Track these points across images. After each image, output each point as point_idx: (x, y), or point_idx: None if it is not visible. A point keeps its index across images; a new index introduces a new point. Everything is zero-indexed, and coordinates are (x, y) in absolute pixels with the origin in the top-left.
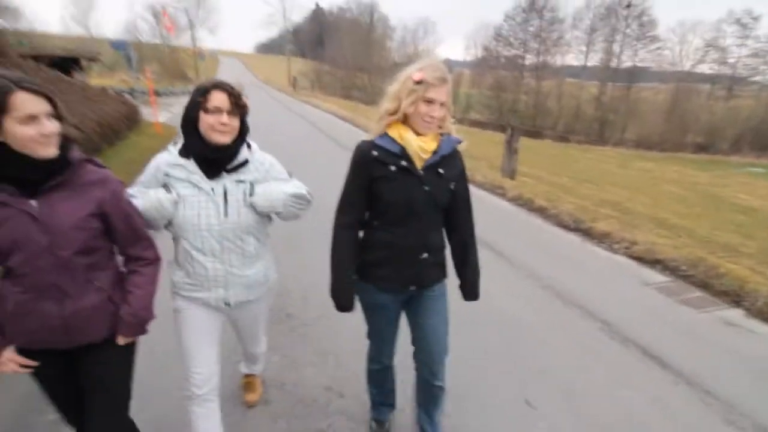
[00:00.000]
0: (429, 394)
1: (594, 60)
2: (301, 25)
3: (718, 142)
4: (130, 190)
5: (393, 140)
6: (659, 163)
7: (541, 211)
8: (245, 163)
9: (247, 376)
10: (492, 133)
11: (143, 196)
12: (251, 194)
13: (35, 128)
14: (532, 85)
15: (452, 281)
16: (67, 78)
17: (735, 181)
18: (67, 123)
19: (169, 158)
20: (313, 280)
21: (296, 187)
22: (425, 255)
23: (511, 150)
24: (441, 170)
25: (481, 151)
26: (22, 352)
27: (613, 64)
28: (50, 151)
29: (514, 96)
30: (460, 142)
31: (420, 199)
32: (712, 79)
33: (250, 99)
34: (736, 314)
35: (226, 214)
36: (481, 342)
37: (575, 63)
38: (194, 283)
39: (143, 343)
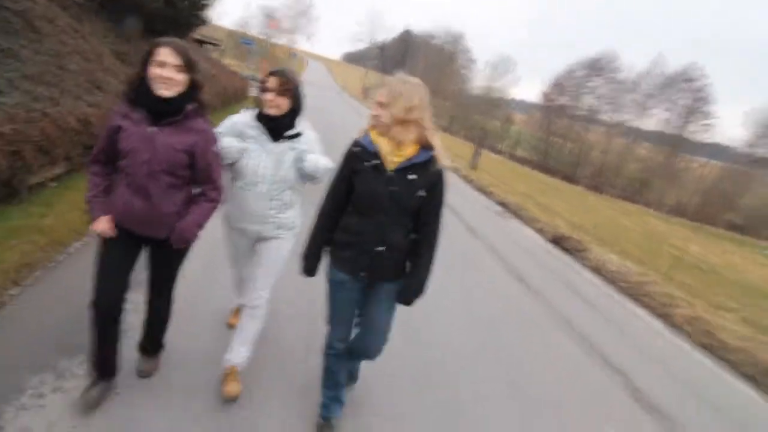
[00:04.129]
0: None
1: (644, 123)
2: (389, 43)
3: (759, 226)
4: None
5: (371, 141)
6: (675, 225)
7: (470, 182)
8: (299, 134)
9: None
10: (517, 165)
11: (231, 139)
12: (303, 160)
13: (160, 71)
14: (581, 135)
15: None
16: (212, 57)
17: (729, 251)
18: (199, 79)
19: (246, 120)
20: None
21: (328, 161)
22: (381, 248)
23: (476, 152)
24: (412, 176)
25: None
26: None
27: (666, 130)
28: (166, 92)
29: (561, 141)
30: (432, 155)
31: (384, 196)
32: (763, 162)
33: (326, 99)
34: (517, 221)
35: (279, 169)
36: None
37: (628, 123)
38: (240, 216)
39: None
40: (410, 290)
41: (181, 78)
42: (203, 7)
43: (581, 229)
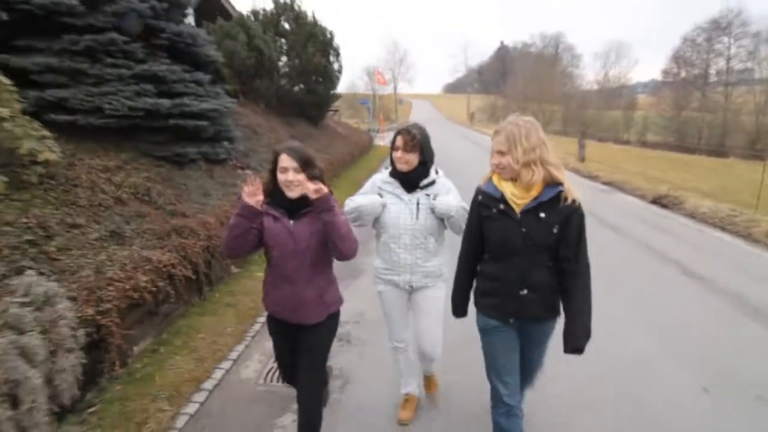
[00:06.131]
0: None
1: None
2: (486, 63)
3: None
4: (353, 197)
5: (495, 186)
6: None
7: (577, 172)
8: (433, 182)
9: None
10: (646, 150)
11: (365, 197)
12: (435, 202)
13: (284, 176)
14: (721, 103)
15: None
16: (343, 122)
17: None
18: (316, 174)
19: (383, 177)
20: None
21: (460, 201)
22: (525, 291)
23: (580, 145)
24: (542, 214)
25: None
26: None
27: None
28: (292, 193)
29: (698, 115)
30: (561, 191)
31: (517, 239)
32: None
33: (433, 131)
34: (620, 193)
35: (417, 218)
36: None
37: None
38: (389, 268)
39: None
40: (576, 337)
41: (301, 177)
42: (334, 86)
43: (688, 190)
